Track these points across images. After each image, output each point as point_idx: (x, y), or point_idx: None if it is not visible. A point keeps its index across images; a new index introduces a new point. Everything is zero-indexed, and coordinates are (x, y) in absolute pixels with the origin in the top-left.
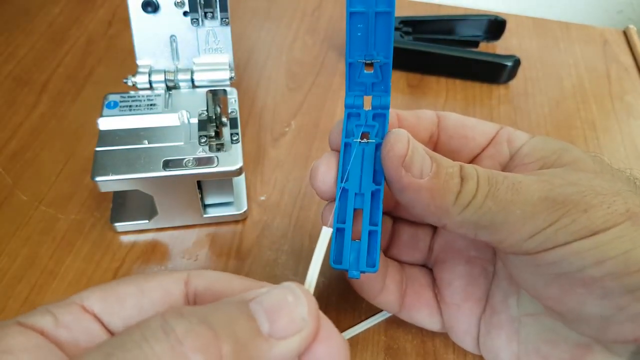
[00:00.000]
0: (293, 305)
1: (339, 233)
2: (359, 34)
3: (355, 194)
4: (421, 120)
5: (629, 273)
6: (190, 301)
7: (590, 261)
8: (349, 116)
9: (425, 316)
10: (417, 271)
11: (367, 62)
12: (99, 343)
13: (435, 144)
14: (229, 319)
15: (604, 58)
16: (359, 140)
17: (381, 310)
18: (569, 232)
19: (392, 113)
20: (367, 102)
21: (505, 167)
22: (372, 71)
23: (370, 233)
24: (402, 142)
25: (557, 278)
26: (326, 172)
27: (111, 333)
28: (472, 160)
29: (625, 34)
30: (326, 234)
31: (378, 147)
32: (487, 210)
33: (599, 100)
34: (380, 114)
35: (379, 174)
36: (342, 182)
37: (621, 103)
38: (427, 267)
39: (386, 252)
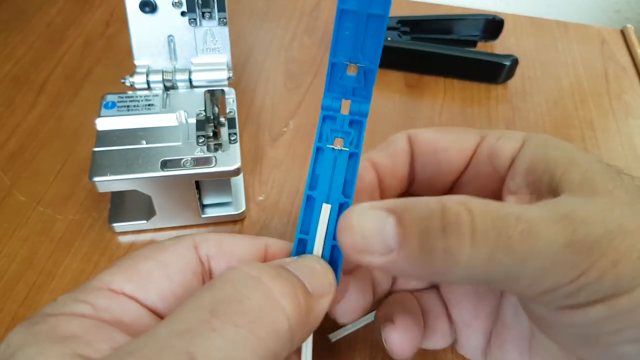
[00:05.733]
0: (322, 272)
1: (300, 244)
2: (346, 32)
3: (323, 204)
4: (395, 158)
5: None
6: (204, 263)
7: (609, 329)
8: (324, 118)
9: (439, 343)
10: (429, 300)
11: (351, 64)
12: (190, 299)
13: (413, 174)
14: (289, 277)
15: (601, 57)
16: (332, 146)
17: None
18: (592, 291)
19: (365, 160)
20: (345, 107)
21: (496, 193)
22: (355, 74)
23: (333, 248)
24: (351, 235)
25: (573, 333)
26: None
27: (149, 309)
28: (452, 187)
29: (623, 33)
30: (326, 210)
31: (352, 156)
32: (498, 263)
33: (597, 100)
34: (357, 121)
35: (348, 185)
36: (309, 189)
37: (619, 102)
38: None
39: (394, 283)
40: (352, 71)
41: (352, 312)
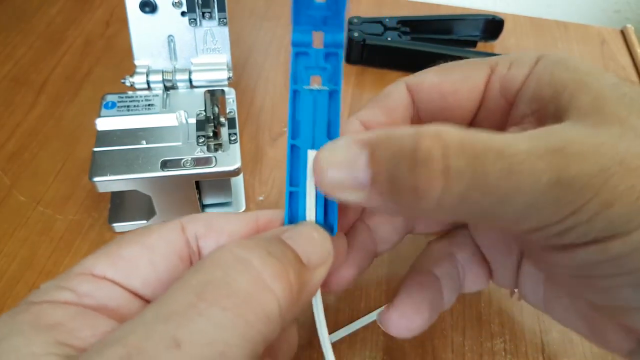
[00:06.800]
0: (320, 241)
1: (292, 196)
2: None
3: (308, 151)
4: (393, 114)
5: None
6: (192, 245)
7: (604, 273)
8: (296, 56)
9: (474, 286)
10: (460, 243)
11: None
12: (177, 282)
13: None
14: (283, 252)
15: (601, 57)
16: (309, 87)
17: (379, 308)
18: (583, 232)
19: (355, 120)
20: (317, 40)
21: (507, 125)
22: (324, 1)
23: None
24: (321, 172)
25: (566, 274)
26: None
27: (134, 294)
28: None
29: (623, 33)
30: (312, 156)
31: (332, 94)
32: (473, 202)
33: None
34: (332, 53)
35: (333, 126)
36: (292, 138)
37: None
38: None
39: (413, 229)
40: None
41: (346, 281)
